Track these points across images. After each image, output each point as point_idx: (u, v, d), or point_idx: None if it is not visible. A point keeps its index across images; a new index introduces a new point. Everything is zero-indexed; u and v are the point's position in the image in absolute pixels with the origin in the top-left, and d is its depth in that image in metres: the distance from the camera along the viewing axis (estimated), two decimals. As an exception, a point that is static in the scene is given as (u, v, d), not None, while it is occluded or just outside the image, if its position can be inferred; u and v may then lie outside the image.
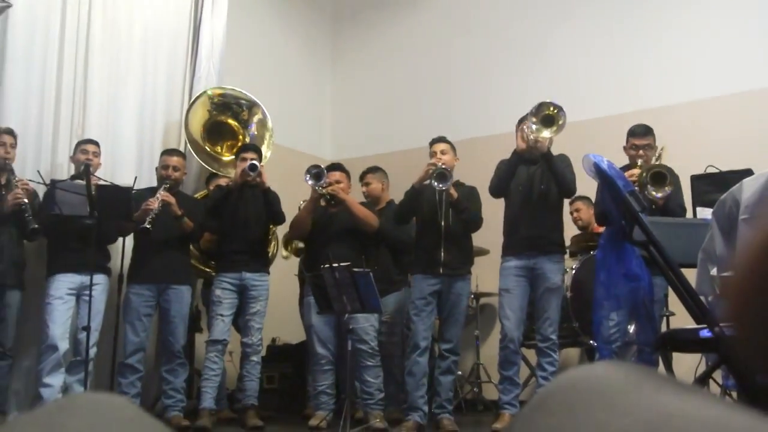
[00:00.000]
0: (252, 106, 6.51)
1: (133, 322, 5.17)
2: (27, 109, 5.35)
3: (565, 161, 4.99)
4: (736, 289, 0.52)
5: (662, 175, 4.55)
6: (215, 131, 6.39)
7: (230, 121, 6.47)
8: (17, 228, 4.82)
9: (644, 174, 4.57)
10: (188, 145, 6.26)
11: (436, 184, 4.93)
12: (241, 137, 6.40)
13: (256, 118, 6.52)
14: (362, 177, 5.99)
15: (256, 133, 6.48)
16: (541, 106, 4.79)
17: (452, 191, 5.03)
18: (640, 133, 4.82)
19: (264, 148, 6.28)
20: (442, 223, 5.10)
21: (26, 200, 4.74)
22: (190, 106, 6.30)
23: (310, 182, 5.20)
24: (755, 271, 0.51)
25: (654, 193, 4.53)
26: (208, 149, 6.31)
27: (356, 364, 5.09)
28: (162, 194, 5.16)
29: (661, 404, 0.42)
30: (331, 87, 8.75)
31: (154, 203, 5.07)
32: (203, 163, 6.33)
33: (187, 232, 5.33)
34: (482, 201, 5.23)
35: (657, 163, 4.68)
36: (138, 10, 6.23)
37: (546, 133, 4.77)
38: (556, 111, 4.75)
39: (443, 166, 4.95)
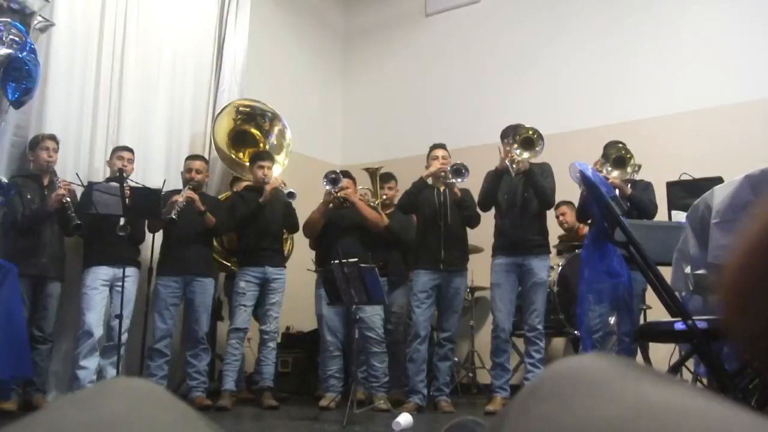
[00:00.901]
0: (274, 118, 6.51)
1: (161, 310, 5.19)
2: (68, 118, 5.37)
3: (546, 171, 5.00)
4: (728, 281, 0.52)
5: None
6: (239, 139, 6.39)
7: (253, 130, 6.47)
8: (59, 224, 4.84)
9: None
10: (215, 151, 6.28)
11: (453, 179, 4.95)
12: (261, 145, 6.40)
13: (276, 129, 6.52)
14: (384, 182, 5.99)
15: (275, 142, 6.48)
16: (517, 129, 4.84)
17: (456, 190, 5.05)
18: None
19: (282, 157, 6.30)
20: (442, 223, 5.11)
21: (69, 199, 4.76)
22: (218, 115, 6.31)
23: (327, 186, 5.21)
24: (746, 264, 0.51)
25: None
26: (233, 156, 6.31)
27: (364, 350, 5.09)
28: (187, 192, 5.20)
29: (643, 393, 0.42)
30: (342, 99, 8.75)
31: (179, 198, 5.12)
32: (229, 168, 6.34)
33: (210, 228, 5.34)
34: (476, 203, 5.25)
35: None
36: (168, 29, 6.24)
37: (527, 155, 4.81)
38: (535, 135, 4.79)
39: (459, 162, 4.98)
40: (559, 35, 7.20)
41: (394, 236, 5.58)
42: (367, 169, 5.99)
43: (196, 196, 5.24)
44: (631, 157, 4.68)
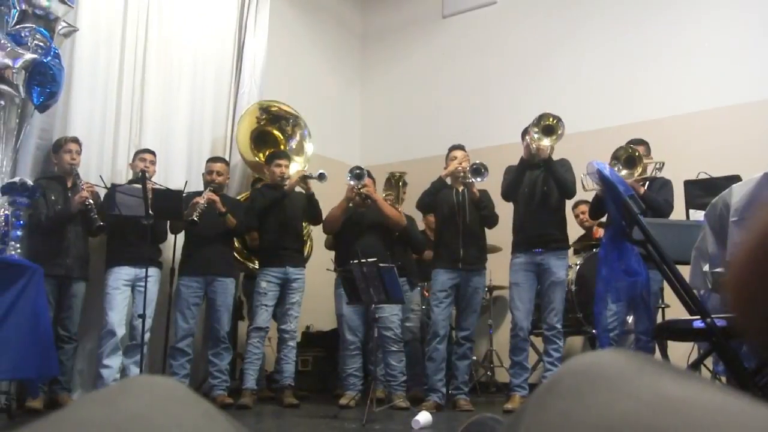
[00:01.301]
0: (296, 123, 6.52)
1: (183, 310, 5.22)
2: (91, 121, 5.41)
3: (565, 165, 4.97)
4: (735, 275, 0.52)
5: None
6: (261, 139, 6.41)
7: (276, 131, 6.49)
8: (83, 225, 4.89)
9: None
10: (236, 153, 6.32)
11: (472, 178, 4.94)
12: (282, 147, 6.42)
13: (298, 134, 6.53)
14: (405, 187, 6.01)
15: (295, 147, 6.49)
16: (542, 116, 4.81)
17: (474, 190, 5.04)
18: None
19: (302, 160, 6.31)
20: (460, 222, 5.10)
21: (91, 200, 4.80)
22: (242, 115, 6.34)
23: (351, 182, 5.20)
24: (752, 259, 0.50)
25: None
26: (255, 156, 6.33)
27: (381, 349, 5.10)
28: (208, 194, 5.23)
29: (661, 388, 0.42)
30: (360, 100, 8.77)
31: (201, 200, 5.14)
32: (249, 168, 6.37)
33: (231, 229, 5.37)
34: (494, 203, 5.23)
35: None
36: (188, 33, 6.28)
37: (546, 141, 4.78)
38: (555, 121, 4.76)
39: (478, 162, 4.96)
40: (576, 35, 7.17)
41: (408, 237, 5.60)
42: (392, 174, 6.00)
43: (216, 198, 5.27)
44: (640, 157, 4.64)
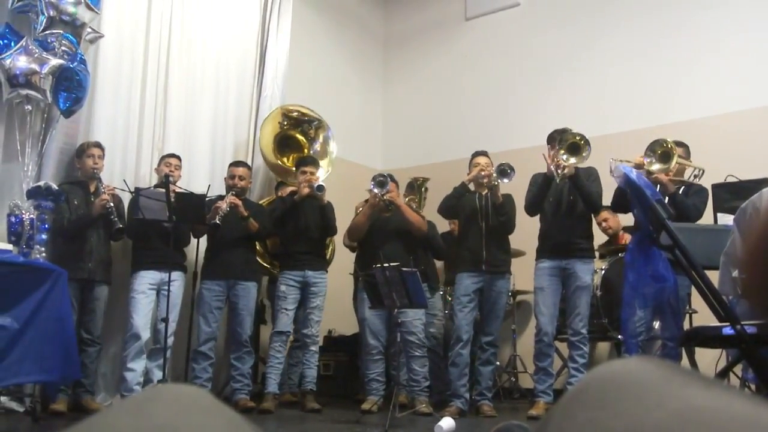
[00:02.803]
0: (320, 126, 6.54)
1: (205, 314, 5.25)
2: (115, 126, 5.48)
3: (592, 175, 4.94)
4: (746, 259, 0.52)
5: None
6: (284, 144, 6.44)
7: (299, 135, 6.52)
8: (105, 229, 4.94)
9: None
10: (258, 157, 6.36)
11: (498, 179, 4.93)
12: (306, 151, 6.44)
13: (321, 137, 6.55)
14: (426, 193, 6.01)
15: (319, 149, 6.51)
16: (565, 134, 4.79)
17: (498, 194, 5.03)
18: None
19: (325, 164, 6.33)
20: (483, 224, 5.10)
21: (112, 204, 4.84)
22: (264, 119, 6.39)
23: (375, 190, 5.19)
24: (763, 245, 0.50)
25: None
26: (278, 160, 6.37)
27: (404, 354, 5.09)
28: (230, 198, 5.26)
29: (690, 398, 0.41)
30: (382, 104, 8.78)
31: (223, 204, 5.18)
32: (272, 172, 6.40)
33: (253, 233, 5.40)
34: (519, 207, 5.21)
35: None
36: (211, 38, 6.34)
37: (573, 160, 4.75)
38: (582, 141, 4.72)
39: (504, 162, 4.95)
40: (600, 37, 7.11)
41: (429, 242, 5.60)
42: (414, 179, 5.98)
43: (239, 202, 5.30)
44: (675, 154, 4.58)
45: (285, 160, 6.39)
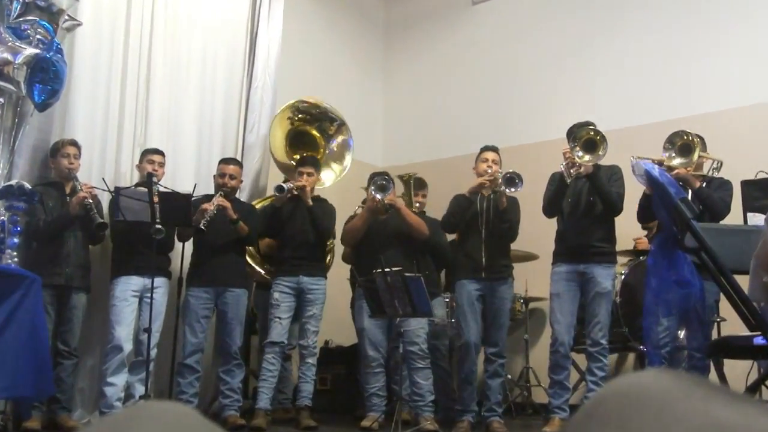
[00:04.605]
0: (341, 125, 6.53)
1: (191, 323, 5.24)
2: (93, 120, 5.47)
3: (615, 174, 4.94)
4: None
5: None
6: (297, 140, 6.41)
7: (314, 131, 6.49)
8: (83, 231, 4.93)
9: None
10: (272, 156, 6.38)
11: (505, 188, 4.92)
12: (321, 150, 6.42)
13: (340, 138, 6.52)
14: (418, 189, 5.99)
15: (335, 150, 6.49)
16: (580, 129, 4.79)
17: (503, 200, 5.02)
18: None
19: (338, 167, 6.34)
20: (483, 229, 5.10)
21: (90, 200, 4.83)
22: (276, 116, 6.39)
23: (378, 196, 5.16)
24: None
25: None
26: (289, 159, 6.34)
27: (407, 366, 5.09)
28: (218, 199, 5.24)
29: (713, 413, 0.41)
30: (383, 95, 8.78)
31: (210, 206, 5.16)
32: (281, 171, 6.36)
33: (243, 237, 5.40)
34: (533, 207, 5.20)
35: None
36: (197, 25, 6.33)
37: (587, 158, 4.75)
38: (599, 137, 4.72)
39: (512, 171, 4.94)
40: (618, 24, 7.09)
41: (429, 244, 5.57)
42: (401, 177, 5.99)
43: (227, 204, 5.28)
44: (698, 145, 4.59)
45: (297, 157, 6.34)
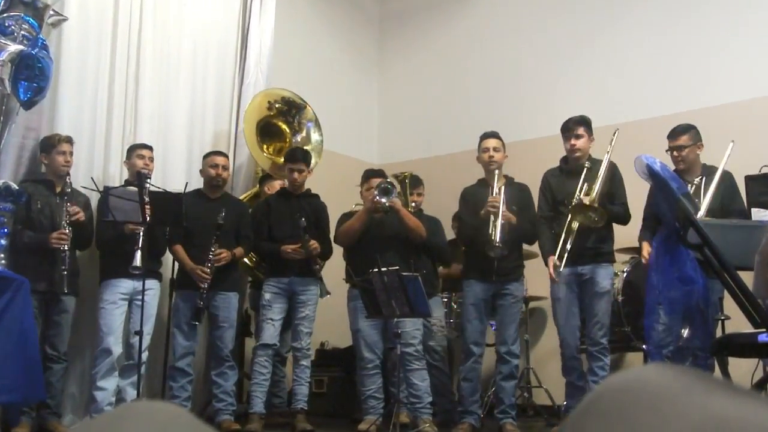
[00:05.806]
0: (303, 114, 6.53)
1: (182, 326, 5.24)
2: (80, 118, 5.45)
3: (616, 176, 4.97)
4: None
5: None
6: (266, 131, 6.43)
7: (281, 124, 6.51)
8: (72, 242, 4.87)
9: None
10: (239, 147, 6.37)
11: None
12: (288, 141, 6.44)
13: (304, 129, 6.55)
14: (413, 187, 6.00)
15: (300, 141, 6.50)
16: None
17: (512, 216, 5.01)
18: (670, 135, 4.93)
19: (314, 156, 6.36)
20: (492, 231, 5.09)
21: (66, 247, 4.74)
22: (249, 104, 6.39)
23: (383, 200, 5.10)
24: None
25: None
26: (267, 155, 6.36)
27: (403, 367, 5.09)
28: (201, 274, 5.18)
29: (713, 407, 0.42)
30: (377, 89, 8.77)
31: (205, 274, 5.16)
32: (269, 171, 6.35)
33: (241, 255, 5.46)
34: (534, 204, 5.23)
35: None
36: (187, 18, 6.32)
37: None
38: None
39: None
40: (619, 16, 7.08)
41: (427, 245, 5.57)
42: (396, 176, 5.99)
43: (222, 260, 5.24)
44: None
45: (267, 149, 6.36)
